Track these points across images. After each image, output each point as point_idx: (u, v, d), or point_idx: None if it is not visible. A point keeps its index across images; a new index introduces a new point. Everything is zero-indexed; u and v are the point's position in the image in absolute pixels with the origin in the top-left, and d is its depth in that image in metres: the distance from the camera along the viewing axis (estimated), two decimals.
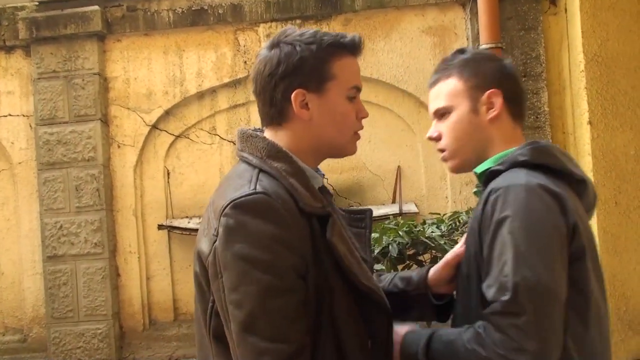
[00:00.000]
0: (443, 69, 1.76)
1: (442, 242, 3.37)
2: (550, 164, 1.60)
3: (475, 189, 1.77)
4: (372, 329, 1.55)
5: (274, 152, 1.55)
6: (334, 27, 4.97)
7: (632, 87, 4.31)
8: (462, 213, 3.55)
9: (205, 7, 5.06)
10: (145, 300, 5.15)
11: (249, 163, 1.57)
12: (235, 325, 1.44)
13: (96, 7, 5.05)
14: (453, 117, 1.71)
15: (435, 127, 1.76)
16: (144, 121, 5.16)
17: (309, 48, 1.56)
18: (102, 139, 5.08)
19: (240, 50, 5.10)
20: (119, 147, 5.17)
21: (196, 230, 4.91)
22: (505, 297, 1.41)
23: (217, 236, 1.47)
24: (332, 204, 1.71)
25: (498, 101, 1.68)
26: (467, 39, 4.88)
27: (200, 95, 5.18)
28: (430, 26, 4.97)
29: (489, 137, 1.70)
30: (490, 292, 1.46)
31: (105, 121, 5.14)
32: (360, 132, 1.66)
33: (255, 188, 1.47)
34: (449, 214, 3.50)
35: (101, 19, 5.04)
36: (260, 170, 1.53)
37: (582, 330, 1.51)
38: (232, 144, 5.15)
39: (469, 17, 4.82)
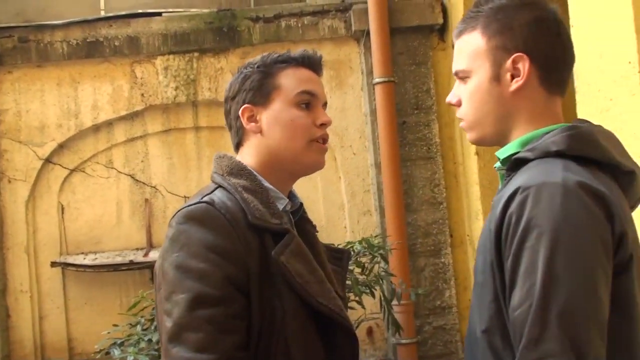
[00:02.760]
0: (470, 18, 1.45)
1: None
2: (591, 155, 1.30)
3: (498, 170, 1.47)
4: (336, 354, 1.50)
5: (236, 170, 1.56)
6: (232, 60, 5.01)
7: None
8: (355, 243, 3.62)
9: (101, 39, 4.99)
10: (38, 341, 4.93)
11: (213, 181, 1.59)
12: (163, 336, 1.38)
13: None
14: (472, 84, 1.43)
15: (456, 91, 1.49)
16: (36, 155, 5.00)
17: (253, 67, 1.63)
18: None
19: (137, 82, 5.05)
20: (9, 182, 4.97)
21: (92, 266, 4.79)
22: (535, 332, 1.16)
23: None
24: (310, 233, 1.68)
25: (524, 68, 1.37)
26: (362, 73, 5.05)
27: (96, 128, 5.08)
28: (326, 60, 4.96)
29: (513, 112, 1.40)
30: (515, 318, 1.20)
31: None
32: (327, 144, 1.63)
33: (201, 199, 1.48)
34: (343, 244, 3.53)
35: None
36: (219, 186, 1.54)
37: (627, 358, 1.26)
38: (129, 177, 5.07)
39: (363, 51, 4.99)
